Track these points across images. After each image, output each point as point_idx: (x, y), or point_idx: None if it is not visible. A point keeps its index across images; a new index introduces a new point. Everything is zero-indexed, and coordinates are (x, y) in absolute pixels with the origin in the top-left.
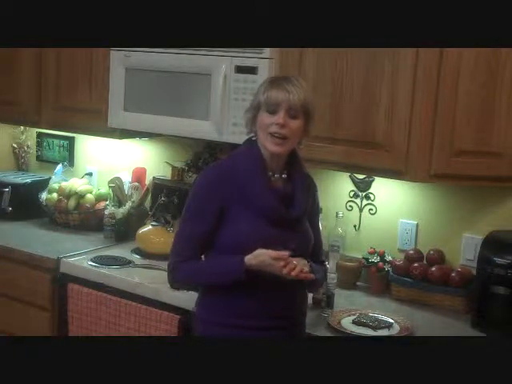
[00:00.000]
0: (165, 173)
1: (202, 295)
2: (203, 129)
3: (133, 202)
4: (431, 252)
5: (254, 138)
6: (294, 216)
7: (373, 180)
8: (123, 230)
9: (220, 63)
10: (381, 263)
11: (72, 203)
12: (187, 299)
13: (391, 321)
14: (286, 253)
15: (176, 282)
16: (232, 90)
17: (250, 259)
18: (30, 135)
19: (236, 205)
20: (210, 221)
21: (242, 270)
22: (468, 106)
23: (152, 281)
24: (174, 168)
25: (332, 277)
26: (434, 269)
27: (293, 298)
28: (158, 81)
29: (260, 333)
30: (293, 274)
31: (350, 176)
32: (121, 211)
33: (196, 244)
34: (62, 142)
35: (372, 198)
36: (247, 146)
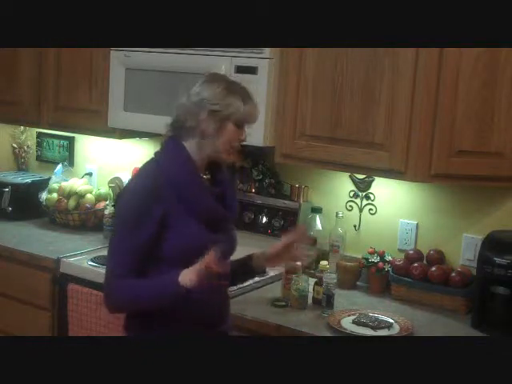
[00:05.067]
0: None
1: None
2: None
3: None
4: (431, 252)
5: (183, 141)
6: (231, 216)
7: (373, 180)
8: None
9: (220, 63)
10: (381, 263)
11: (72, 203)
12: None
13: (391, 321)
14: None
15: (113, 305)
16: None
17: (183, 278)
18: (30, 135)
19: (176, 210)
20: (151, 230)
21: (177, 289)
22: (468, 106)
23: None
24: None
25: (332, 277)
26: (433, 269)
27: (226, 304)
28: (158, 81)
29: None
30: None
31: (349, 176)
32: None
33: (134, 258)
34: (62, 142)
35: (372, 198)
36: (176, 149)
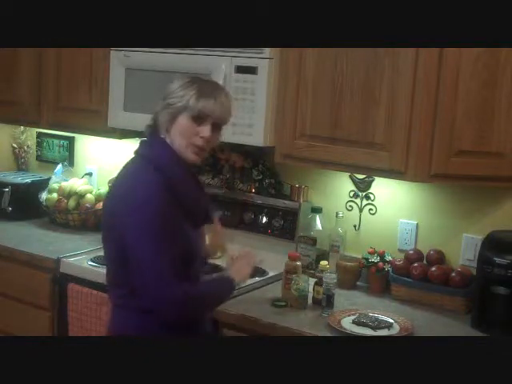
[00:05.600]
0: None
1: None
2: None
3: None
4: (431, 252)
5: (165, 138)
6: (212, 216)
7: (373, 180)
8: None
9: (220, 63)
10: (381, 263)
11: (72, 203)
12: None
13: (391, 321)
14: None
15: (191, 312)
16: (232, 90)
17: (239, 278)
18: (30, 135)
19: (176, 211)
20: (176, 232)
21: (233, 291)
22: (468, 106)
23: None
24: None
25: (332, 277)
26: (433, 269)
27: None
28: (158, 81)
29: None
30: None
31: (349, 176)
32: None
33: (177, 264)
34: (61, 142)
35: (372, 198)
36: (167, 150)
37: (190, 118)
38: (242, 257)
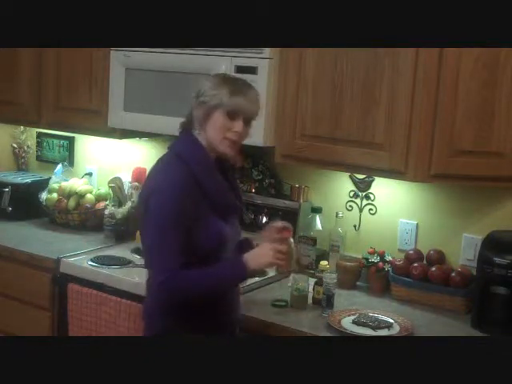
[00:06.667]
0: None
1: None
2: None
3: (133, 201)
4: (431, 252)
5: (196, 133)
6: (242, 209)
7: (373, 180)
8: (123, 230)
9: (220, 63)
10: (381, 263)
11: (72, 203)
12: None
13: (391, 321)
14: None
15: (175, 295)
16: None
17: (252, 263)
18: (30, 135)
19: (202, 205)
20: (187, 226)
21: (245, 274)
22: (468, 106)
23: None
24: None
25: (332, 277)
26: (433, 269)
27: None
28: (157, 81)
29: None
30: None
31: (349, 176)
32: (121, 211)
33: (181, 252)
34: (61, 142)
35: (372, 198)
36: (193, 144)
37: (225, 114)
38: (267, 243)
